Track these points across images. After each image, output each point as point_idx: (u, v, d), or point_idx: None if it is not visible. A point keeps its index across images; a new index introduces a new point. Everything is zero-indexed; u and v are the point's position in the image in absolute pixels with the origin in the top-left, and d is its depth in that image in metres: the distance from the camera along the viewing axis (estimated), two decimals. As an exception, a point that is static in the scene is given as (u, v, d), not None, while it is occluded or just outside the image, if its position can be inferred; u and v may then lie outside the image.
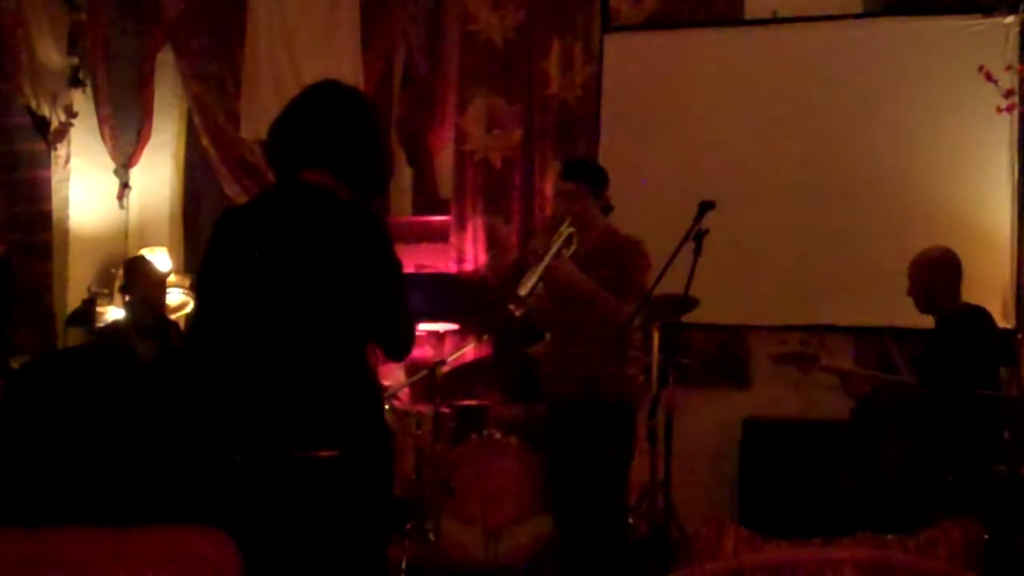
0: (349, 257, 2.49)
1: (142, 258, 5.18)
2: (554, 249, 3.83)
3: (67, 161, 6.08)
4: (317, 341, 2.48)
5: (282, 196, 2.58)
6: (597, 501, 3.97)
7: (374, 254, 2.52)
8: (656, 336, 5.10)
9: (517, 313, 3.75)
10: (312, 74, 6.04)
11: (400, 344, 2.65)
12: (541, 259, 3.78)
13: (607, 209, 4.10)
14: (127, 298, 4.76)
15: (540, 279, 3.74)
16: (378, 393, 2.64)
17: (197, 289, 2.66)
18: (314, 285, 2.48)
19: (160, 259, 5.92)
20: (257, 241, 2.50)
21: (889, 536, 2.07)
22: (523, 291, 3.71)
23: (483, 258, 6.12)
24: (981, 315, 4.23)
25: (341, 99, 2.63)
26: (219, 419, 2.48)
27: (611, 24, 5.99)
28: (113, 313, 5.93)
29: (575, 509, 4.03)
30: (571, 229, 3.90)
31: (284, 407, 2.45)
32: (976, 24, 5.33)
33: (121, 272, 4.95)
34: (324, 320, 2.48)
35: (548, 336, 4.26)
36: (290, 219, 2.51)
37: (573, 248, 3.89)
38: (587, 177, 4.07)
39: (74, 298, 6.06)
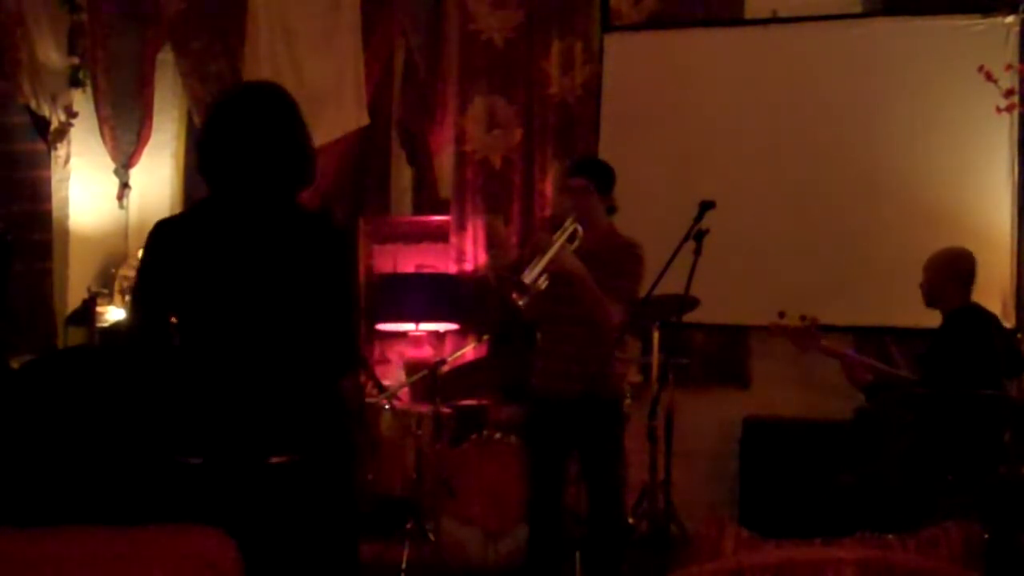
0: (310, 266, 2.51)
1: None
2: (562, 239, 3.81)
3: (67, 161, 6.07)
4: (282, 352, 2.49)
5: (231, 206, 2.54)
6: (604, 497, 3.96)
7: (335, 265, 2.55)
8: (656, 336, 5.10)
9: (520, 303, 3.69)
10: (312, 74, 6.07)
11: (344, 356, 2.62)
12: (546, 250, 3.73)
13: (611, 210, 4.07)
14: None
15: (545, 269, 3.69)
16: (340, 400, 2.64)
17: (143, 299, 2.61)
18: (277, 294, 2.49)
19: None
20: (218, 252, 2.50)
21: (889, 536, 2.06)
22: (528, 278, 3.65)
23: (483, 258, 6.11)
24: (987, 317, 4.22)
25: (264, 102, 2.59)
26: (184, 423, 2.49)
27: (611, 24, 5.99)
28: (113, 313, 5.93)
29: (556, 509, 4.04)
30: (575, 225, 3.89)
31: (247, 414, 2.47)
32: (976, 24, 5.33)
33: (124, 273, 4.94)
34: (287, 330, 2.49)
35: (539, 334, 4.21)
36: (249, 228, 2.51)
37: (576, 244, 3.87)
38: (596, 175, 4.05)
39: (74, 298, 6.05)
